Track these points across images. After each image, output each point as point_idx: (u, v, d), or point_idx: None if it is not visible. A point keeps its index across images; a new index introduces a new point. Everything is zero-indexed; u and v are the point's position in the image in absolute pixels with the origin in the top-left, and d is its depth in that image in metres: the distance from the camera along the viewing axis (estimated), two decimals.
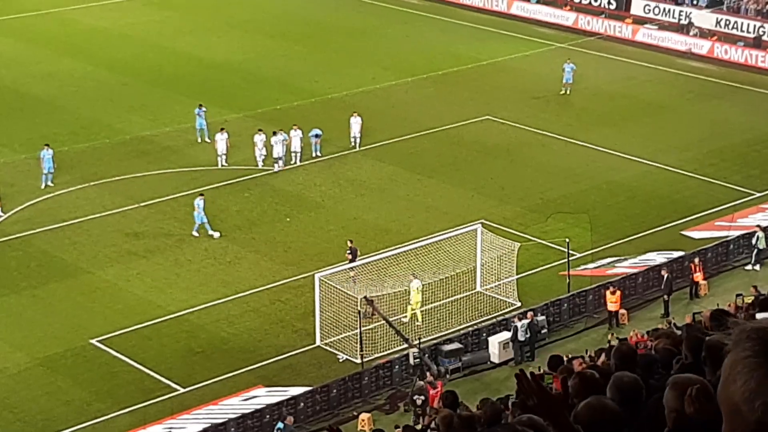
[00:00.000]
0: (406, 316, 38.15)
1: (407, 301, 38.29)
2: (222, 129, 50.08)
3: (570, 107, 57.39)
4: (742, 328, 3.67)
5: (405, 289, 38.27)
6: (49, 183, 47.43)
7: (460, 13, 73.31)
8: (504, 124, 54.75)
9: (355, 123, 51.50)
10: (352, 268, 36.67)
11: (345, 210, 45.92)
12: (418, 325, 37.96)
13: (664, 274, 39.25)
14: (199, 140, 51.78)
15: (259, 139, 49.25)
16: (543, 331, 37.34)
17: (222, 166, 49.32)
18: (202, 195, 44.36)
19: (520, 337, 36.37)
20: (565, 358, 30.88)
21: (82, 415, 33.52)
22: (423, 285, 38.36)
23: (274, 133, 49.60)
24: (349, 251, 40.70)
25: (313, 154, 50.49)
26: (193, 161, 50.11)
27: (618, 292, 38.22)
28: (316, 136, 50.52)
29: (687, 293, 40.23)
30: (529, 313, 36.89)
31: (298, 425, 33.04)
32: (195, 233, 43.57)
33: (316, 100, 57.58)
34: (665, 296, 38.99)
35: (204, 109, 52.28)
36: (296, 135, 49.80)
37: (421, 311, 38.22)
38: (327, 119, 53.18)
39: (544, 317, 37.69)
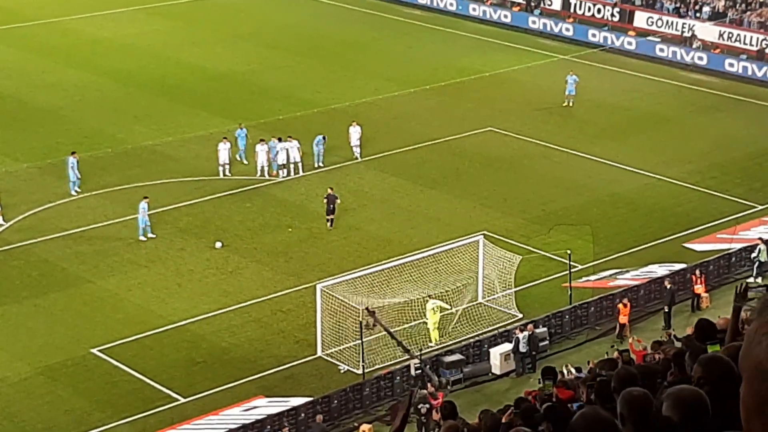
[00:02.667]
0: (432, 342, 37.85)
1: (424, 321, 38.14)
2: (224, 138, 50.12)
3: (572, 119, 57.41)
4: (765, 298, 3.91)
5: (407, 300, 38.22)
6: (76, 189, 47.69)
7: (463, 25, 73.42)
8: (506, 135, 54.78)
9: (354, 132, 51.53)
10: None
11: (347, 220, 45.91)
12: (437, 342, 37.78)
13: (667, 285, 39.30)
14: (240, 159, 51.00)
15: (261, 149, 49.34)
16: (544, 343, 37.28)
17: (225, 176, 49.35)
18: (146, 198, 44.42)
19: (522, 348, 36.33)
20: (564, 369, 30.86)
21: (83, 424, 33.50)
22: (440, 302, 38.26)
23: (279, 140, 49.69)
24: (325, 197, 44.53)
25: (316, 164, 50.51)
26: (195, 171, 50.14)
27: (629, 305, 38.24)
28: (324, 138, 50.41)
29: (689, 305, 40.23)
30: (529, 326, 36.85)
31: None
32: (142, 237, 43.76)
33: (319, 110, 57.63)
34: (665, 307, 39.02)
35: (245, 129, 51.40)
36: (294, 145, 49.79)
37: (433, 329, 38.08)
38: (329, 130, 53.15)
39: (545, 329, 37.65)
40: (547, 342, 37.46)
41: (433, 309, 37.80)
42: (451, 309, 38.54)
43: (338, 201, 45.16)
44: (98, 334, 37.78)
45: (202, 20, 73.78)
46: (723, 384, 6.13)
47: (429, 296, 38.29)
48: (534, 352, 36.62)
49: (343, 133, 51.72)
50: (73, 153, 48.13)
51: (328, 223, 45.17)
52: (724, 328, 15.00)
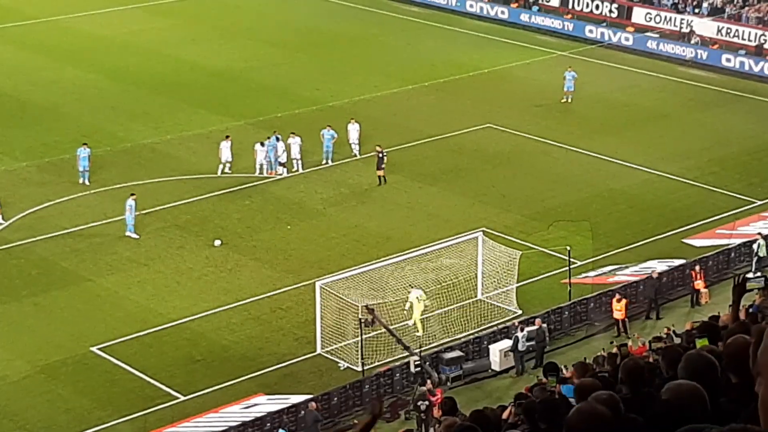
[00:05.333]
0: (417, 330, 37.99)
1: (411, 313, 38.20)
2: (227, 137, 50.09)
3: (571, 115, 57.39)
4: None
5: (406, 298, 38.22)
6: (86, 182, 47.90)
7: (462, 21, 73.40)
8: (505, 132, 54.78)
9: (353, 129, 51.54)
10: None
11: (346, 218, 45.92)
12: (418, 336, 37.88)
13: (654, 275, 39.32)
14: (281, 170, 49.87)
15: (260, 148, 49.37)
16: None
17: (224, 173, 49.30)
18: (133, 195, 44.48)
19: (521, 347, 36.27)
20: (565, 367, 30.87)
21: (83, 422, 33.49)
22: (424, 293, 38.38)
23: (277, 139, 49.70)
24: (381, 153, 48.32)
25: (323, 161, 50.51)
26: (194, 169, 50.13)
27: (624, 300, 38.21)
28: (332, 136, 50.51)
29: (688, 301, 40.24)
30: (537, 320, 36.83)
31: None
32: (134, 235, 43.75)
33: (318, 107, 57.60)
34: (648, 297, 39.10)
35: (278, 136, 50.07)
36: (295, 142, 49.85)
37: (422, 319, 38.16)
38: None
39: (545, 325, 37.64)
40: (546, 338, 37.44)
41: (417, 298, 37.87)
42: (428, 300, 38.54)
43: (384, 156, 48.28)
44: (98, 333, 37.77)
45: (200, 18, 73.73)
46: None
47: (411, 286, 38.30)
48: (544, 347, 36.51)
49: (342, 131, 51.68)
50: (84, 144, 48.60)
51: (379, 180, 48.40)
52: (728, 324, 15.01)
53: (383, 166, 48.30)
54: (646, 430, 6.51)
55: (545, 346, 36.71)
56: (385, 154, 48.50)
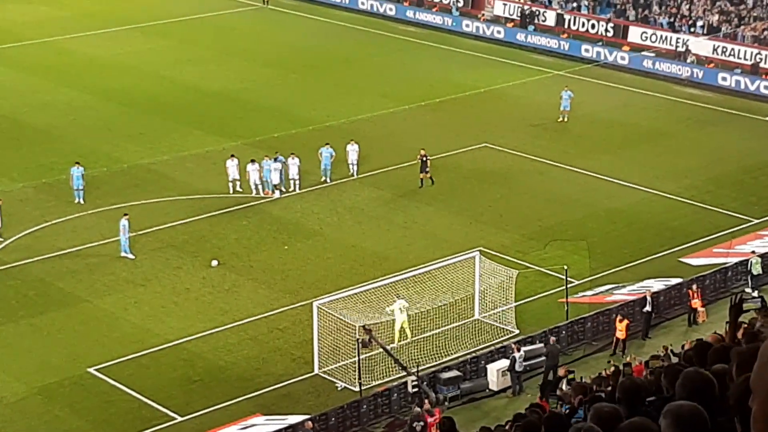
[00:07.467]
0: (402, 339, 38.14)
1: (394, 324, 38.29)
2: (232, 156, 50.15)
3: (567, 134, 57.46)
4: None
5: (393, 311, 38.17)
6: (81, 201, 48.19)
7: (458, 41, 73.56)
8: (502, 151, 54.82)
9: (352, 150, 51.61)
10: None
11: (343, 237, 45.90)
12: (406, 342, 37.95)
13: (648, 296, 39.26)
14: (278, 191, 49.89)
15: (252, 168, 49.38)
16: (541, 358, 37.18)
17: (238, 191, 49.31)
18: (126, 215, 44.48)
19: (518, 367, 36.19)
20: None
21: None
22: (421, 312, 38.42)
23: (275, 160, 49.75)
24: (424, 157, 50.12)
25: (322, 178, 50.59)
26: (190, 189, 50.13)
27: (625, 321, 38.16)
28: (330, 155, 50.67)
29: (685, 320, 40.19)
30: (552, 338, 36.78)
31: None
32: (129, 255, 43.70)
33: (314, 128, 57.65)
34: (643, 310, 39.05)
35: (276, 157, 50.32)
36: (294, 163, 49.91)
37: (414, 338, 38.12)
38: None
39: (542, 344, 37.59)
40: (543, 358, 37.37)
41: (400, 309, 37.87)
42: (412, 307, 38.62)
43: (428, 160, 50.01)
44: (95, 354, 37.70)
45: (195, 39, 73.86)
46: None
47: (397, 295, 38.31)
48: (556, 365, 36.38)
49: (338, 151, 51.71)
50: (77, 163, 48.73)
51: (421, 182, 49.95)
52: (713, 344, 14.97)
53: (427, 169, 50.09)
54: None
55: (557, 364, 36.50)
56: (428, 157, 50.07)
